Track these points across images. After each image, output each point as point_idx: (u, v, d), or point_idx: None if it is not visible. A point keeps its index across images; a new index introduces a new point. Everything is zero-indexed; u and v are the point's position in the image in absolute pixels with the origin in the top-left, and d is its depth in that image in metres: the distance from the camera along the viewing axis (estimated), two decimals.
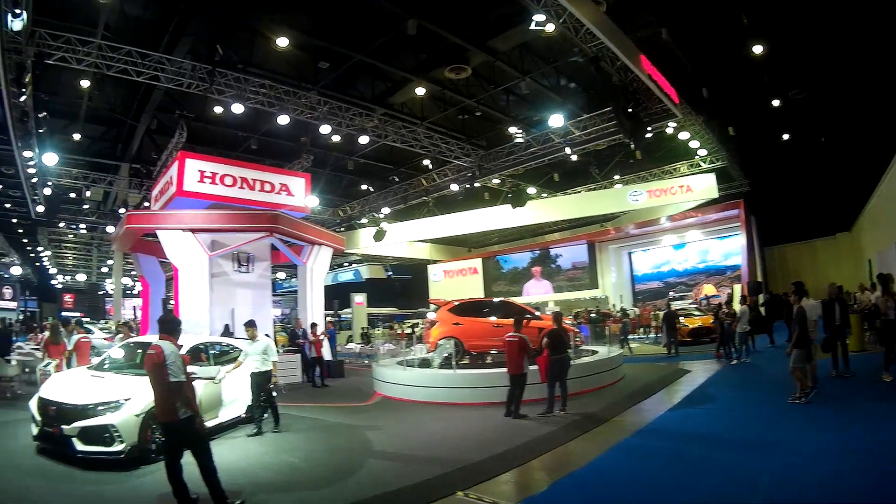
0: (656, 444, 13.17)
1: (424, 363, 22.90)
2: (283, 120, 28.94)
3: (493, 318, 22.41)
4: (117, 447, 11.85)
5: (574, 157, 34.31)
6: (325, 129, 30.32)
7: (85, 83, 27.95)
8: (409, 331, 43.34)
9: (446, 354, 21.26)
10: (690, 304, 42.36)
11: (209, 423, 13.75)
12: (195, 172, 26.97)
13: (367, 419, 17.80)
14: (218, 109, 28.78)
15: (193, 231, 26.52)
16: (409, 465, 12.24)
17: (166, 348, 9.31)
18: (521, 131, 33.08)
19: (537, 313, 23.54)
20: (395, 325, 52.99)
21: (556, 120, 30.41)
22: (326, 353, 28.89)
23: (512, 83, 29.67)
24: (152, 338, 13.83)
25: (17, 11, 19.95)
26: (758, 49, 24.95)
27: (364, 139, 31.55)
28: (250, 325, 16.04)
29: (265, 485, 10.81)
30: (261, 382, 15.27)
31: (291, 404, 19.72)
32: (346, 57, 26.94)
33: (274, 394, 15.85)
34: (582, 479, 10.93)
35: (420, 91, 29.30)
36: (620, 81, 24.49)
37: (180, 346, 9.74)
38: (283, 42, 24.61)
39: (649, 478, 10.73)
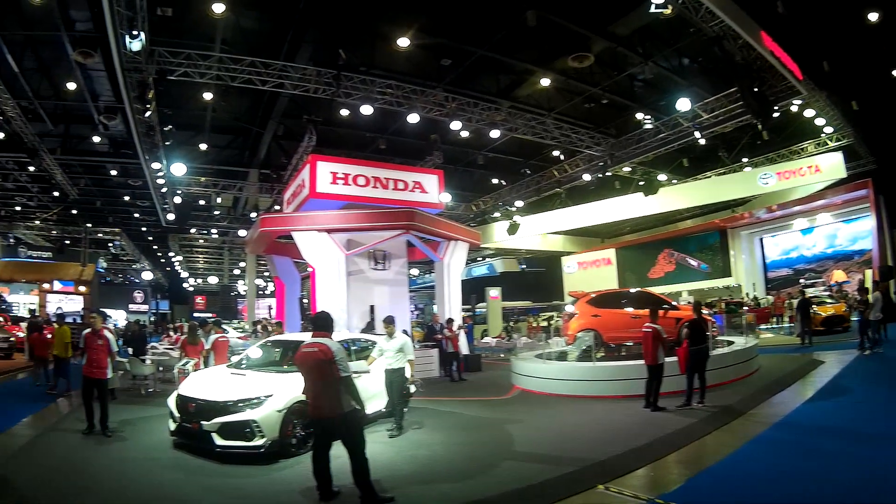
0: (793, 438, 12.94)
1: (563, 356, 22.75)
2: (412, 118, 29.48)
3: (630, 310, 22.03)
4: (258, 442, 12.16)
5: (702, 141, 33.55)
6: (455, 125, 30.55)
7: (208, 96, 29.00)
8: (543, 324, 43.19)
9: (585, 347, 21.09)
10: (823, 290, 41.02)
11: None
12: (327, 174, 27.49)
13: (506, 413, 17.79)
14: (344, 112, 29.34)
15: (329, 231, 26.89)
16: (549, 459, 12.20)
17: (332, 345, 9.45)
18: (649, 117, 32.40)
19: (674, 303, 23.24)
20: (530, 318, 52.68)
21: (684, 104, 29.73)
22: (463, 348, 28.78)
23: (635, 68, 29.25)
24: (302, 336, 14.02)
25: (135, 33, 20.93)
26: (873, 17, 24.02)
27: (495, 133, 31.66)
28: (389, 321, 15.88)
29: (406, 477, 10.90)
30: (394, 379, 15.19)
31: (430, 398, 19.83)
32: (467, 53, 27.14)
33: (413, 389, 15.87)
34: (721, 472, 10.84)
35: (545, 82, 29.08)
36: (743, 60, 23.84)
37: None
38: (403, 42, 24.83)
39: (787, 472, 10.57)
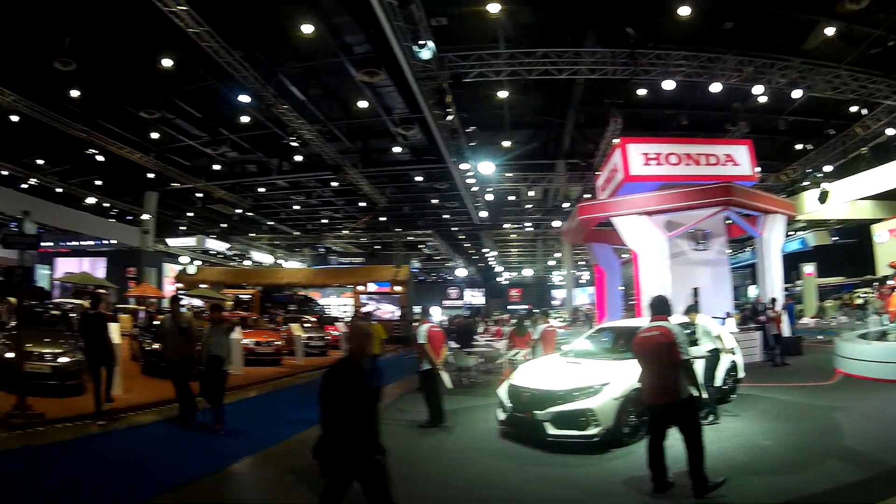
0: None
1: (884, 336, 21.92)
2: (714, 88, 28.72)
3: None
4: (592, 431, 12.15)
5: None
6: (756, 89, 29.57)
7: (503, 94, 30.33)
8: (859, 301, 41.34)
9: None
10: None
11: None
12: (639, 156, 27.89)
13: (831, 399, 17.31)
14: (641, 92, 29.83)
15: (648, 214, 27.11)
16: (879, 450, 11.73)
17: (672, 328, 9.51)
18: None
19: None
20: (844, 295, 50.27)
21: None
22: (785, 329, 27.72)
23: None
24: (636, 321, 14.33)
25: (422, 43, 22.62)
26: None
27: (797, 93, 29.38)
28: (690, 310, 16.03)
29: (739, 467, 10.64)
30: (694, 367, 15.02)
31: (754, 385, 19.38)
32: (746, 12, 26.16)
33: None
34: None
35: (829, 31, 27.20)
36: None
37: None
38: (684, 11, 24.72)
39: None
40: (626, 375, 12.38)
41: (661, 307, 10.04)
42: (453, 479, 11.07)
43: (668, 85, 27.65)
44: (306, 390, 18.54)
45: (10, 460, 12.02)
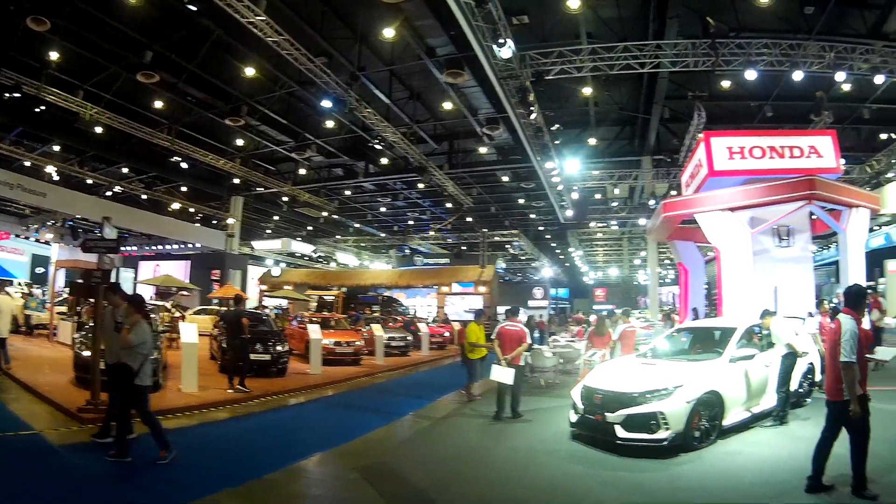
0: None
1: None
2: (797, 76, 27.98)
3: None
4: (661, 434, 12.10)
5: None
6: (839, 76, 28.07)
7: (587, 90, 30.54)
8: None
9: None
10: None
11: (754, 411, 14.33)
12: (723, 150, 26.99)
13: None
14: (725, 83, 29.71)
15: (732, 210, 26.46)
16: None
17: (845, 322, 9.02)
18: None
19: None
20: None
21: None
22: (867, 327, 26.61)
23: None
24: (718, 321, 14.25)
25: (501, 41, 22.97)
26: None
27: (879, 79, 28.42)
28: (766, 314, 15.70)
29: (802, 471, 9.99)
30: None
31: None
32: None
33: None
34: None
35: None
36: None
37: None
38: None
39: None
40: (700, 378, 12.70)
41: (852, 299, 9.74)
42: (519, 481, 11.11)
43: (751, 75, 27.26)
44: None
45: None
